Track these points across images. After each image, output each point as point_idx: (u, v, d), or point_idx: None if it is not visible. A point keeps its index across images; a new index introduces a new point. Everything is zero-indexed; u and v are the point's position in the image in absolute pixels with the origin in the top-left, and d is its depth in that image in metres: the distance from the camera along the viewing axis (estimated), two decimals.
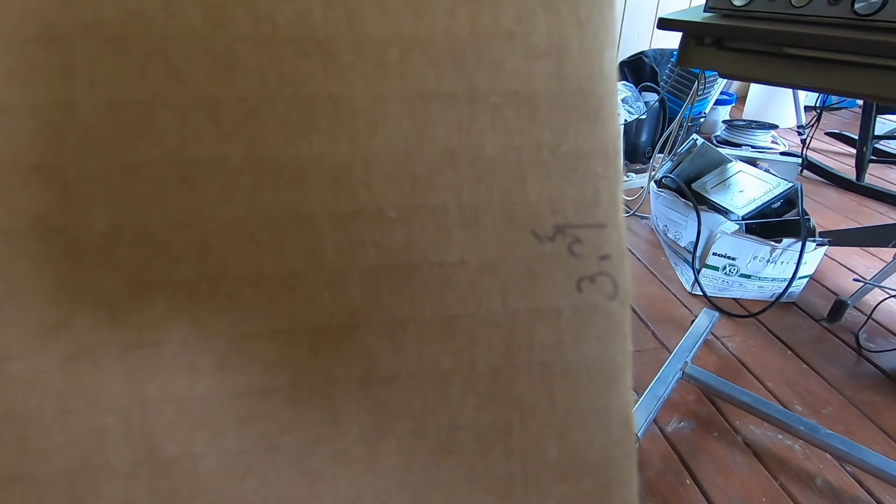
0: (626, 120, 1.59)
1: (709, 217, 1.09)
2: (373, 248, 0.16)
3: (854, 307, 1.08)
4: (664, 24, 0.56)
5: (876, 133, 1.56)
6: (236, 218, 0.16)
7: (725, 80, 1.85)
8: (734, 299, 1.13)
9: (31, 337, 0.15)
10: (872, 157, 1.61)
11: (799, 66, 0.51)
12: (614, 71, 0.16)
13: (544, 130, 0.16)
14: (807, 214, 1.08)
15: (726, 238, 1.06)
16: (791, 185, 1.14)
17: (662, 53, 1.90)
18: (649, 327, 1.04)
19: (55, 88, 0.14)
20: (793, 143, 1.95)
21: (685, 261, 1.15)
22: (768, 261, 1.06)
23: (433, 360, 0.17)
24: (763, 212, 1.12)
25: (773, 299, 1.07)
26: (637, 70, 1.91)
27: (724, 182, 1.19)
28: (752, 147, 1.89)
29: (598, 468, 0.18)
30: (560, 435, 0.18)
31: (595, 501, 0.18)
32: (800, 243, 1.02)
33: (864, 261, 1.27)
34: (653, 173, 1.33)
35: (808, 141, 1.66)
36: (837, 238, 1.24)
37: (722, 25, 0.53)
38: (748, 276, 1.09)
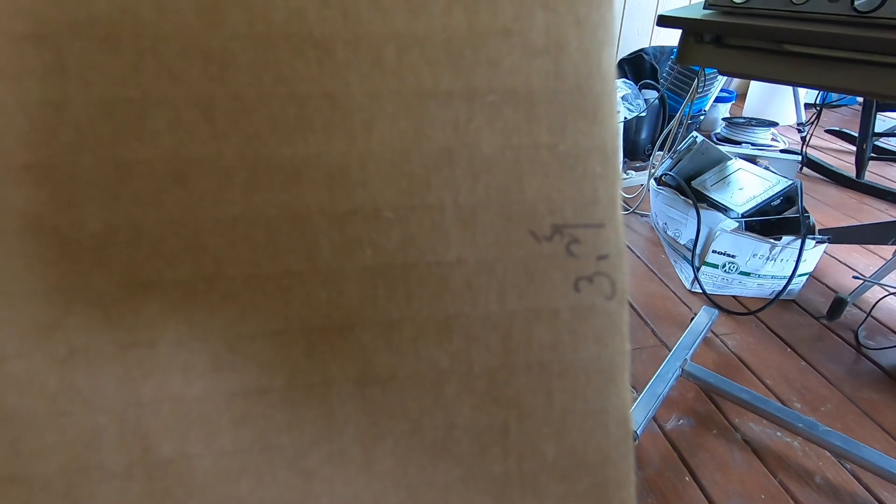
0: (625, 117, 1.59)
1: (708, 215, 1.09)
2: (369, 247, 0.16)
3: (853, 305, 1.08)
4: (664, 21, 0.56)
5: (876, 130, 1.56)
6: (231, 217, 0.16)
7: (725, 78, 1.85)
8: (734, 297, 1.13)
9: (24, 337, 0.15)
10: (872, 154, 1.61)
11: (798, 63, 0.51)
12: (613, 69, 0.16)
13: (542, 129, 0.16)
14: (806, 212, 1.08)
15: (726, 236, 1.05)
16: (791, 182, 1.14)
17: (662, 51, 1.90)
18: (648, 325, 1.04)
19: (47, 86, 0.14)
20: (793, 140, 1.95)
21: (685, 258, 1.15)
22: (768, 258, 1.06)
23: (430, 361, 0.17)
24: (763, 209, 1.12)
25: (772, 297, 1.07)
26: (637, 67, 1.90)
27: (723, 180, 1.19)
28: (752, 144, 1.89)
29: (596, 468, 0.18)
30: (557, 435, 0.18)
31: (592, 502, 0.18)
32: (799, 241, 1.02)
33: (864, 258, 1.27)
34: (652, 171, 1.33)
35: (807, 138, 1.66)
36: (837, 235, 1.24)
37: (721, 22, 0.53)
38: (748, 274, 1.09)
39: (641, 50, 1.91)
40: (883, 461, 0.70)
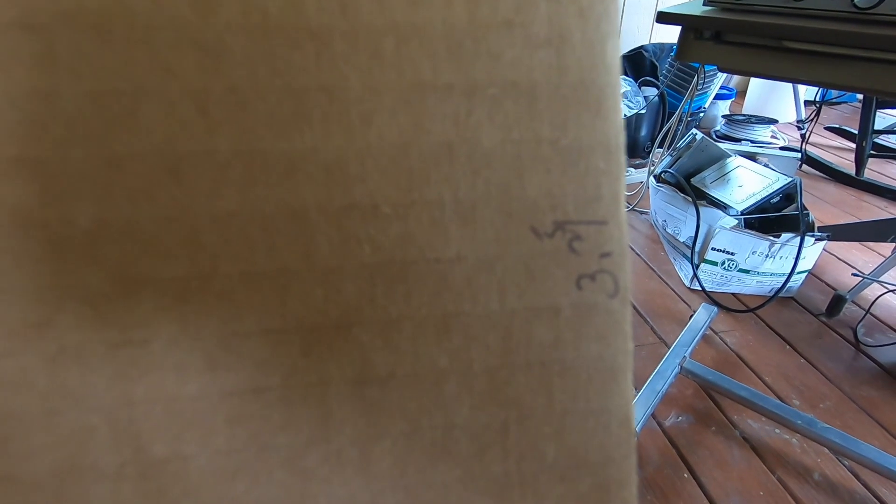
0: (625, 115, 1.59)
1: (708, 212, 1.09)
2: (367, 244, 0.16)
3: (852, 302, 1.08)
4: (663, 17, 0.56)
5: (876, 128, 1.56)
6: (226, 213, 0.15)
7: (725, 75, 1.85)
8: (733, 294, 1.13)
9: (14, 335, 0.14)
10: (872, 151, 1.60)
11: (798, 59, 0.50)
12: (617, 61, 0.16)
13: (544, 123, 0.16)
14: (806, 209, 1.08)
15: (725, 233, 1.05)
16: (790, 179, 1.14)
17: (662, 48, 1.90)
18: (648, 322, 1.04)
19: (36, 77, 0.14)
20: (792, 137, 1.95)
21: (684, 256, 1.14)
22: (767, 256, 1.06)
23: (429, 360, 0.16)
24: (762, 207, 1.12)
25: (771, 294, 1.07)
26: (637, 64, 1.90)
27: (723, 177, 1.19)
28: (752, 142, 1.89)
29: (597, 468, 0.18)
30: (558, 435, 0.17)
31: (594, 502, 0.18)
32: (798, 238, 1.02)
33: (863, 255, 1.27)
34: (652, 168, 1.32)
35: (807, 136, 1.65)
36: (836, 233, 1.24)
37: (721, 19, 0.52)
38: (747, 271, 1.09)
39: (641, 47, 1.91)
40: (881, 458, 0.71)
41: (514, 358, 0.17)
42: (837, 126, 2.05)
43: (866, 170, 1.62)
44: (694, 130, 1.24)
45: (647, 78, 1.79)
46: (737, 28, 0.53)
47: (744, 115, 1.97)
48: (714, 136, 1.94)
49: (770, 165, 1.22)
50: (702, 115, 1.94)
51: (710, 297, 1.09)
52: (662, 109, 1.70)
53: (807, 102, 1.95)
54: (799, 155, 1.70)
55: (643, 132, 1.70)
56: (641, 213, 1.43)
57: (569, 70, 0.15)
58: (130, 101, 0.14)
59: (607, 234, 0.17)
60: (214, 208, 0.15)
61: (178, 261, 0.15)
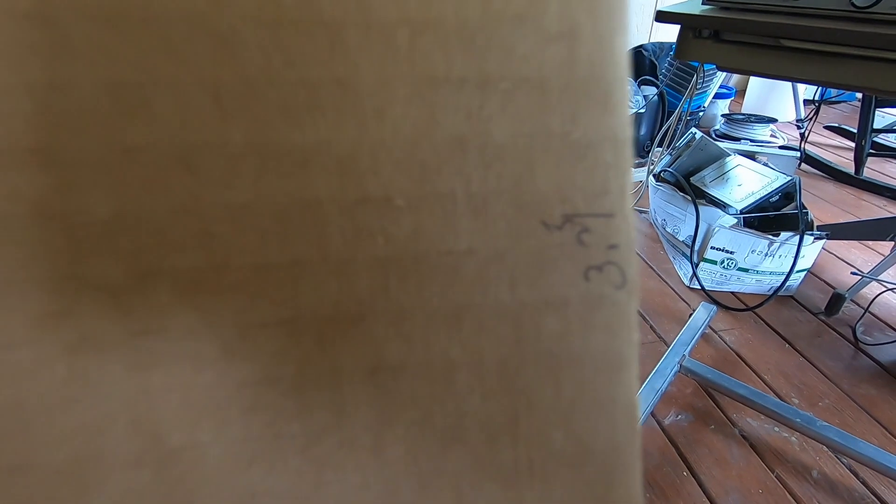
0: None
1: (707, 211, 1.09)
2: (380, 236, 0.16)
3: (851, 300, 1.08)
4: (662, 16, 0.56)
5: (875, 127, 1.56)
6: (239, 205, 0.15)
7: (724, 74, 1.85)
8: (732, 293, 1.13)
9: (33, 325, 0.14)
10: (871, 150, 1.61)
11: (797, 58, 0.51)
12: (626, 56, 0.16)
13: (554, 117, 0.16)
14: (805, 208, 1.08)
15: (724, 232, 1.06)
16: (789, 178, 1.14)
17: (661, 47, 1.90)
18: (647, 321, 1.04)
19: (51, 68, 0.14)
20: (792, 136, 1.95)
21: (683, 254, 1.15)
22: (766, 254, 1.07)
23: (440, 350, 0.17)
24: (761, 205, 1.12)
25: (770, 293, 1.08)
26: (636, 63, 1.90)
27: (722, 176, 1.19)
28: (751, 141, 1.89)
29: (603, 455, 0.18)
30: (566, 424, 0.18)
31: (599, 487, 0.18)
32: (797, 237, 1.03)
33: (862, 254, 1.28)
34: (651, 167, 1.33)
35: (806, 134, 1.66)
36: (835, 232, 1.24)
37: (720, 18, 0.53)
38: (746, 270, 1.09)
39: (640, 46, 1.91)
40: (880, 456, 0.71)
41: (524, 348, 0.17)
42: (837, 125, 2.06)
43: (865, 168, 1.63)
44: (693, 129, 1.24)
45: (647, 77, 1.80)
46: (735, 27, 0.53)
47: (743, 114, 1.98)
48: (713, 135, 1.95)
49: (769, 164, 1.23)
50: (701, 113, 1.94)
51: (710, 296, 1.09)
52: (662, 108, 1.70)
53: (806, 101, 1.96)
54: (798, 154, 1.71)
55: (642, 131, 1.71)
56: (641, 211, 1.43)
57: (579, 64, 0.16)
58: (145, 91, 0.15)
59: (614, 226, 0.17)
60: (228, 199, 0.15)
61: (193, 251, 0.15)
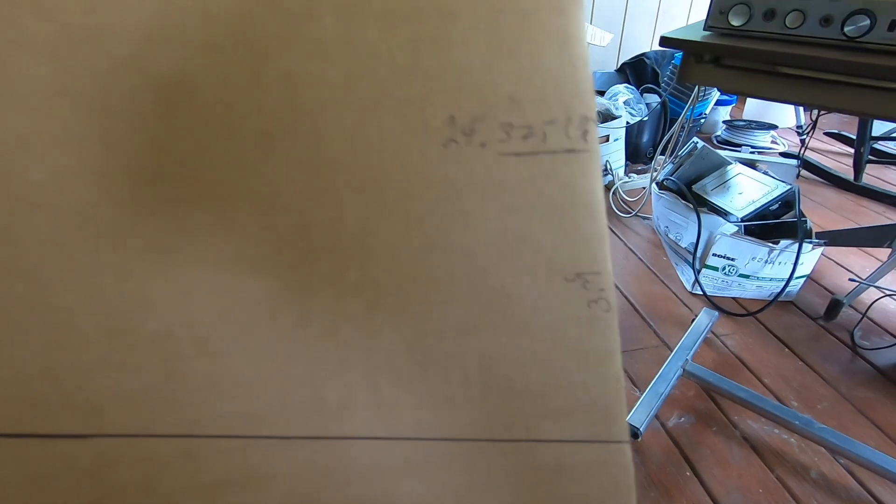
0: (628, 122, 1.62)
1: (709, 219, 1.12)
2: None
3: (850, 306, 1.11)
4: (665, 42, 0.59)
5: (874, 134, 1.59)
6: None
7: None
8: (733, 298, 1.16)
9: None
10: (870, 157, 1.63)
11: (793, 84, 0.54)
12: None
13: (565, 230, 0.27)
14: (804, 216, 1.11)
15: (725, 239, 1.09)
16: (788, 187, 1.17)
17: (663, 55, 1.93)
18: (651, 325, 1.07)
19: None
20: (792, 143, 1.98)
21: (686, 261, 1.18)
22: (766, 261, 1.10)
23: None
24: (761, 214, 1.15)
25: (771, 298, 1.10)
26: (638, 71, 1.93)
27: (723, 184, 1.22)
28: (753, 147, 1.92)
29: (593, 406, 0.29)
30: (583, 382, 0.29)
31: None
32: (797, 245, 1.06)
33: (861, 260, 1.30)
34: (654, 174, 1.36)
35: (807, 141, 1.68)
36: (833, 239, 1.27)
37: (720, 45, 0.56)
38: (747, 276, 1.12)
39: (643, 54, 1.94)
40: (876, 457, 0.73)
41: (558, 343, 0.28)
42: (836, 131, 2.08)
43: (865, 175, 1.65)
44: (695, 139, 1.27)
45: (649, 85, 1.83)
46: (734, 53, 0.56)
47: (744, 121, 2.00)
48: (715, 141, 1.98)
49: (769, 173, 1.26)
50: (703, 120, 1.97)
51: (712, 302, 1.12)
52: (664, 116, 1.73)
53: (806, 108, 1.98)
54: (797, 162, 1.73)
55: (645, 138, 1.74)
56: (644, 218, 1.46)
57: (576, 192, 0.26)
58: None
59: (603, 278, 0.28)
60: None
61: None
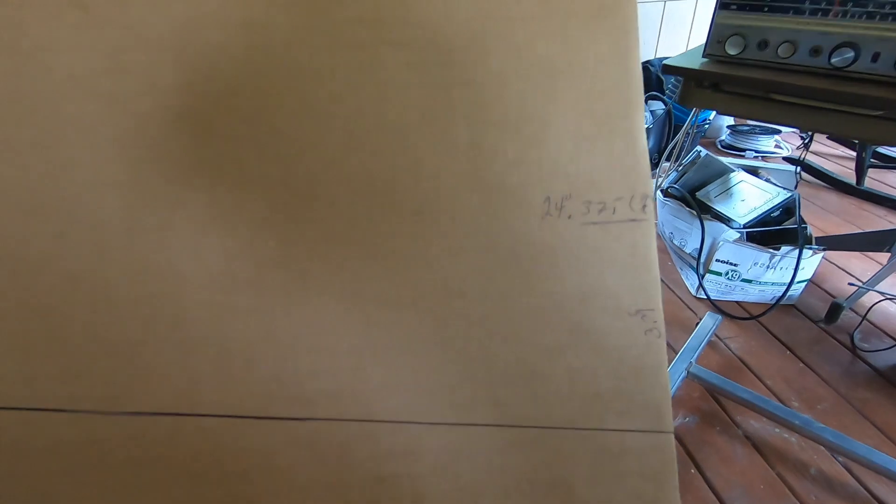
0: None
1: (712, 225, 1.16)
2: None
3: (850, 309, 1.13)
4: (668, 69, 0.64)
5: None
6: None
7: None
8: (736, 302, 1.19)
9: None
10: (873, 160, 1.65)
11: (785, 109, 0.58)
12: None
13: (629, 278, 0.36)
14: (804, 223, 1.15)
15: (728, 246, 1.12)
16: (790, 194, 1.20)
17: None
18: None
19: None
20: (796, 146, 2.00)
21: (690, 266, 1.21)
22: (768, 266, 1.13)
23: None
24: (763, 220, 1.18)
25: (773, 302, 1.13)
26: (643, 79, 1.96)
27: (726, 191, 1.25)
28: (756, 151, 1.95)
29: (646, 396, 0.38)
30: (640, 386, 0.38)
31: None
32: (797, 250, 1.09)
33: (862, 263, 1.33)
34: (659, 181, 1.39)
35: (808, 145, 1.71)
36: (833, 244, 1.29)
37: (717, 73, 0.60)
38: (749, 281, 1.16)
39: (647, 62, 1.97)
40: (873, 455, 0.76)
41: (626, 359, 0.37)
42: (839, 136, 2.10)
43: (867, 179, 1.68)
44: (699, 147, 1.31)
45: (654, 92, 1.86)
46: (731, 81, 0.61)
47: (748, 126, 2.03)
48: (719, 146, 2.01)
49: (771, 180, 1.29)
50: (707, 126, 2.00)
51: (715, 306, 1.15)
52: (669, 123, 1.76)
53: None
54: (797, 168, 1.76)
55: (650, 145, 1.77)
56: None
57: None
58: None
59: (657, 312, 0.37)
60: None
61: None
